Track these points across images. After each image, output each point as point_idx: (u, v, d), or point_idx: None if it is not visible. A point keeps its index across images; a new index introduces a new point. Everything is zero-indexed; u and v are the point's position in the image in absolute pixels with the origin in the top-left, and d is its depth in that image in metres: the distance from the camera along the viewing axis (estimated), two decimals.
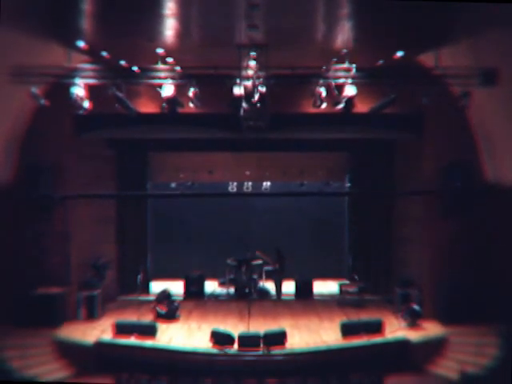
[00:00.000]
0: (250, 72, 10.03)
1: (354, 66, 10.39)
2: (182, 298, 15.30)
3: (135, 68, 10.74)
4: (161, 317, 13.31)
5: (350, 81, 10.41)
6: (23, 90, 10.33)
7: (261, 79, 10.01)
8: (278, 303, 15.28)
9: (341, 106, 10.76)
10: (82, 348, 11.75)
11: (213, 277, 16.38)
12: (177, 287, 15.69)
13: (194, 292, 15.68)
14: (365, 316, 13.22)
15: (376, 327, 12.04)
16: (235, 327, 12.36)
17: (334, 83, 10.55)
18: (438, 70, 10.63)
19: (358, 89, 10.49)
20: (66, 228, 13.34)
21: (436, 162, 13.36)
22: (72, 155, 13.53)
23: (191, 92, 10.70)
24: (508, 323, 11.16)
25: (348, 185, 16.81)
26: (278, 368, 10.97)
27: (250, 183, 15.57)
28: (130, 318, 13.25)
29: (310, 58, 11.00)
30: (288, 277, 15.84)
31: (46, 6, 8.83)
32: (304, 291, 15.77)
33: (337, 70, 10.47)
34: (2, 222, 12.60)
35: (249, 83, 9.96)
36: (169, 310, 13.48)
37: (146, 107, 13.06)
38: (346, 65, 10.49)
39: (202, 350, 11.34)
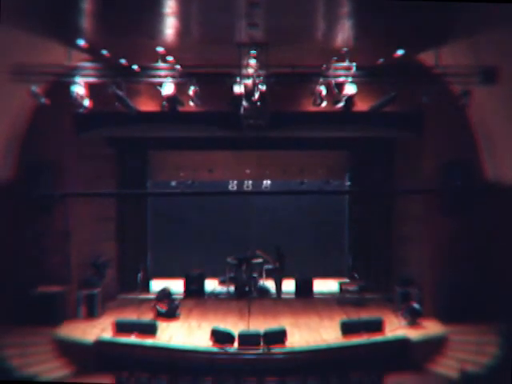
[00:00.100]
0: (251, 70, 10.02)
1: (354, 64, 10.38)
2: (182, 297, 15.29)
3: (135, 66, 10.72)
4: (161, 315, 13.32)
5: (350, 79, 10.40)
6: (23, 89, 10.30)
7: (261, 78, 10.02)
8: (278, 302, 15.29)
9: (341, 104, 10.74)
10: (82, 346, 11.76)
11: (213, 275, 16.37)
12: (177, 286, 15.65)
13: (194, 290, 15.66)
14: (365, 315, 13.20)
15: (376, 326, 12.04)
16: (235, 326, 12.37)
17: (334, 82, 10.55)
18: (438, 69, 10.63)
19: (358, 87, 10.48)
20: (65, 226, 13.32)
21: (436, 161, 13.36)
22: (72, 154, 13.51)
23: (191, 90, 10.68)
24: (508, 322, 11.15)
25: (348, 183, 16.80)
26: (278, 366, 10.98)
27: (250, 182, 15.59)
28: (130, 316, 13.25)
29: (310, 57, 10.99)
30: (288, 275, 15.84)
31: (46, 4, 8.79)
32: (304, 290, 15.76)
33: (337, 69, 10.47)
34: (1, 221, 12.60)
35: (249, 82, 9.97)
36: (169, 308, 13.48)
37: (146, 105, 13.02)
38: (346, 63, 10.48)
39: (202, 348, 11.35)
